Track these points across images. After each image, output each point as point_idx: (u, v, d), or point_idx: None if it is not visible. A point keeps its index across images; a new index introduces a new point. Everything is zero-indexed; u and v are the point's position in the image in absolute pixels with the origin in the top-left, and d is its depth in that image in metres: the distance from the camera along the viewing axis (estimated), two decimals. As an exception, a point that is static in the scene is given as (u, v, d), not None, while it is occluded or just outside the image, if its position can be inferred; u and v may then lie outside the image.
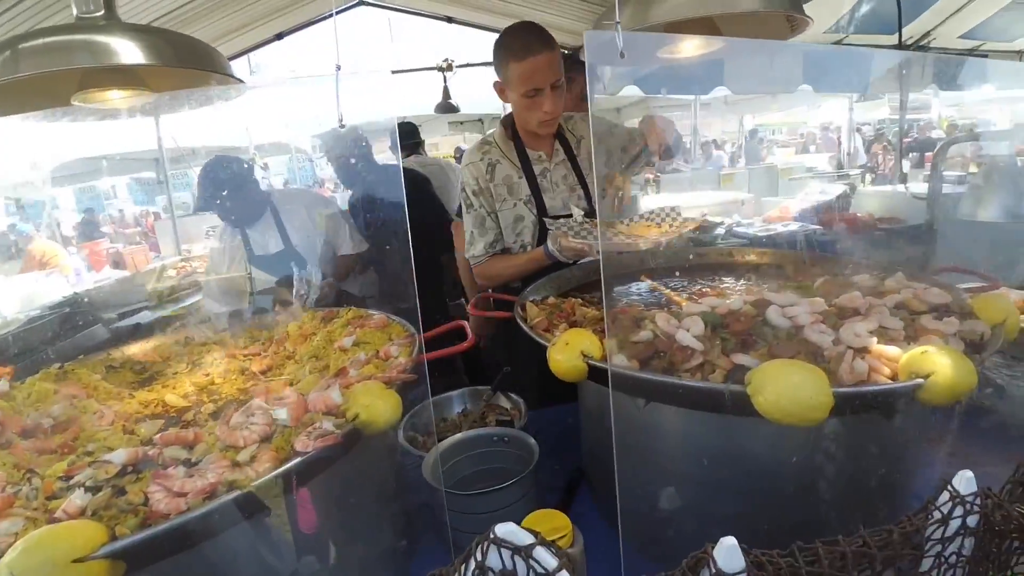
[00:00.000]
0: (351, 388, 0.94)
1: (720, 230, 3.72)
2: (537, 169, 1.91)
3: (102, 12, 1.11)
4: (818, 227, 3.67)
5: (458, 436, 1.33)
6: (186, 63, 1.08)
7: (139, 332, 2.36)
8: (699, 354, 0.90)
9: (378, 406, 0.90)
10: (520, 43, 1.67)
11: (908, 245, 3.48)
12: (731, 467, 0.95)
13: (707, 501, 0.99)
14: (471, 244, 1.95)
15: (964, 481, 0.61)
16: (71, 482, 0.76)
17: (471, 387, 1.73)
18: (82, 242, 5.89)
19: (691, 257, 1.79)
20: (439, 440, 1.58)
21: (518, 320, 1.29)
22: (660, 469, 1.04)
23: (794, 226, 3.70)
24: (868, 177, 4.46)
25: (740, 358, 0.87)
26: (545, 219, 1.84)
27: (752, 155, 8.08)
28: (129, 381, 1.46)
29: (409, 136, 3.79)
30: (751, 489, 0.94)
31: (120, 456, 0.78)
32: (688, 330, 0.94)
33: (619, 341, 1.01)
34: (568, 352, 1.00)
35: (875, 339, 0.87)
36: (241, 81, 1.23)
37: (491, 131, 2.04)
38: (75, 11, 1.13)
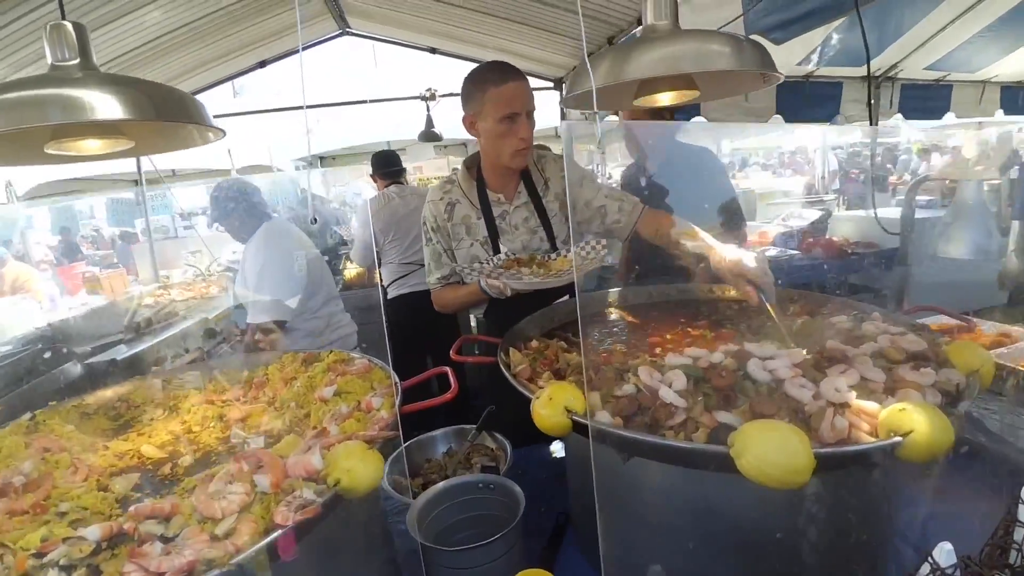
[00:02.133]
0: (332, 449, 0.93)
1: (700, 256, 3.77)
2: (496, 211, 1.94)
3: (77, 61, 1.09)
4: (796, 252, 3.75)
5: (441, 485, 1.31)
6: (164, 116, 1.07)
7: (114, 369, 2.31)
8: (682, 411, 0.91)
9: (359, 471, 0.89)
10: (497, 71, 1.74)
11: (883, 273, 3.58)
12: (714, 520, 0.95)
13: (691, 553, 0.99)
14: (429, 273, 2.05)
15: (944, 553, 0.61)
16: (44, 560, 0.73)
17: (455, 426, 1.72)
18: (58, 264, 5.75)
19: (673, 294, 1.82)
20: (423, 484, 1.57)
21: (502, 367, 1.28)
22: (643, 521, 1.04)
23: (773, 251, 3.78)
24: (843, 200, 4.58)
25: (723, 416, 0.87)
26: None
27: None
28: (103, 428, 1.42)
29: (389, 164, 3.76)
30: (735, 543, 0.94)
31: (95, 533, 0.75)
32: (671, 385, 0.95)
33: (602, 395, 1.02)
34: (552, 407, 0.99)
35: (854, 393, 0.88)
36: (221, 131, 1.22)
37: (455, 169, 2.08)
38: (49, 59, 1.11)
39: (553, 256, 1.82)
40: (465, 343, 1.73)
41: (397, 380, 1.26)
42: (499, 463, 1.60)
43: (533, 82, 3.45)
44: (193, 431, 1.36)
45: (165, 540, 0.76)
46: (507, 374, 1.24)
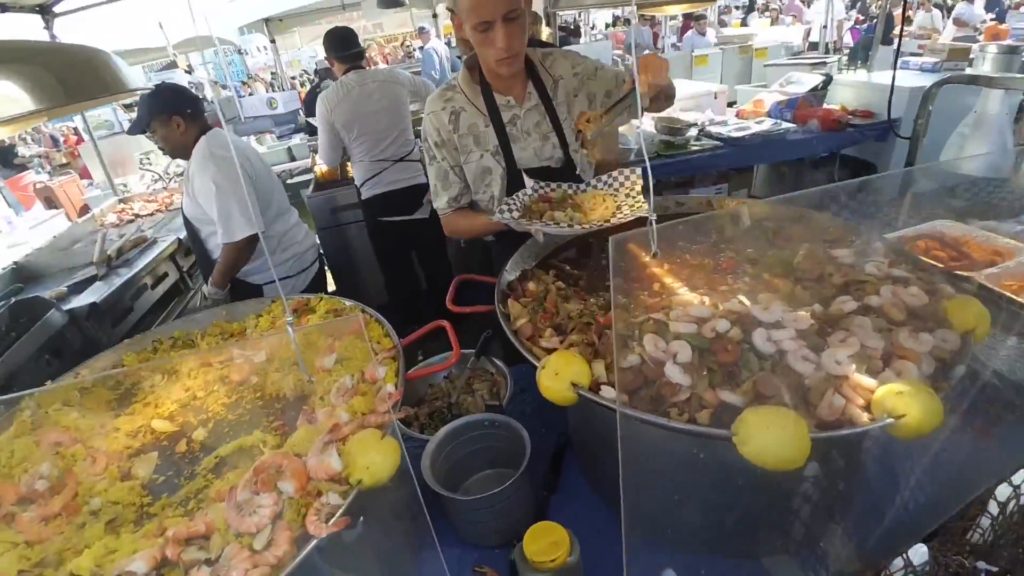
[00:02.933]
0: (348, 443, 0.95)
1: (692, 131, 3.59)
2: (506, 116, 1.75)
3: None
4: (791, 125, 3.58)
5: (450, 427, 1.37)
6: (76, 96, 0.90)
7: (96, 313, 2.26)
8: (686, 388, 0.93)
9: (378, 465, 0.92)
10: None
11: (881, 150, 3.46)
12: (714, 477, 1.02)
13: (694, 506, 1.08)
14: (436, 196, 1.87)
15: (918, 554, 0.67)
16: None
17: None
18: (3, 176, 5.34)
19: (671, 208, 1.76)
20: (429, 412, 1.64)
21: (501, 321, 1.27)
22: (651, 474, 1.11)
23: (767, 123, 3.60)
24: (843, 60, 4.21)
25: (726, 395, 0.90)
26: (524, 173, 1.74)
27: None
28: (106, 400, 1.42)
29: (345, 46, 3.20)
30: (732, 502, 1.03)
31: (141, 567, 0.79)
32: (675, 357, 0.96)
33: (607, 365, 1.03)
34: (558, 381, 1.01)
35: (854, 366, 0.90)
36: (145, 89, 1.04)
37: (455, 75, 1.83)
38: None
39: (583, 188, 1.65)
40: (461, 282, 1.68)
41: (399, 342, 1.25)
42: (500, 391, 1.67)
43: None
44: (198, 397, 1.37)
45: (209, 563, 0.80)
46: (508, 331, 1.23)
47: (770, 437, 0.80)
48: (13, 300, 2.06)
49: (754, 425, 0.82)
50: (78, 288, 2.38)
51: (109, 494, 1.08)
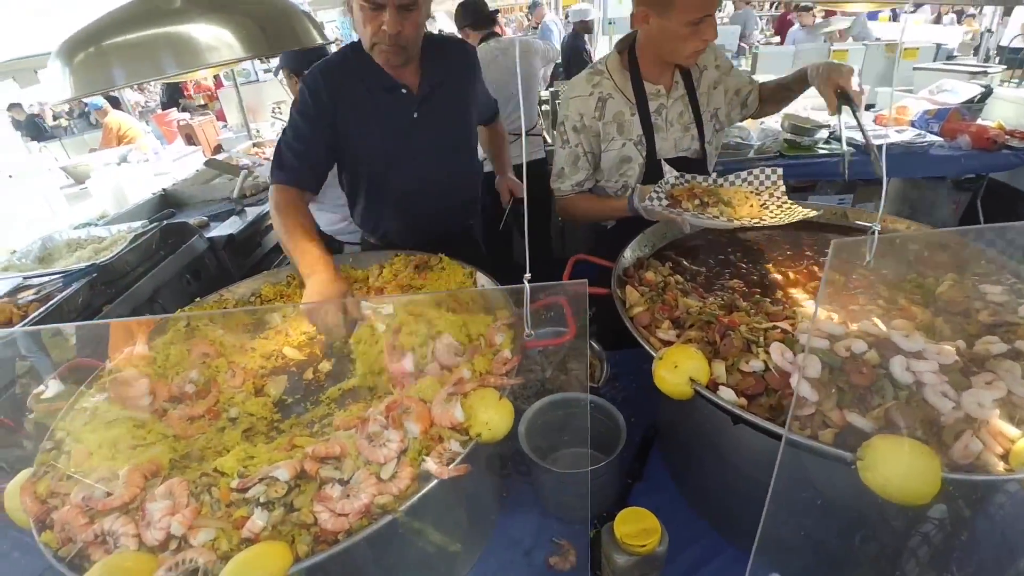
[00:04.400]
0: (469, 397, 1.02)
1: (822, 133, 3.34)
2: (653, 105, 1.74)
3: None
4: (937, 138, 3.25)
5: (547, 399, 1.41)
6: (276, 46, 1.00)
7: (232, 243, 2.51)
8: (812, 403, 0.91)
9: (496, 423, 0.98)
10: None
11: None
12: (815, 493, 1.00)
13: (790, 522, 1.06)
14: (559, 177, 1.89)
15: None
16: (247, 495, 0.89)
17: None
18: (152, 112, 5.94)
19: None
20: (522, 387, 1.69)
21: (617, 305, 1.29)
22: (744, 479, 1.11)
23: (910, 133, 3.28)
24: (1008, 72, 3.70)
25: (855, 419, 0.88)
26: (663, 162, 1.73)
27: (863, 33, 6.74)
28: (244, 323, 1.59)
29: (478, 14, 3.19)
30: (836, 520, 1.00)
31: (284, 474, 0.90)
32: (803, 371, 0.94)
33: (728, 367, 1.03)
34: (676, 374, 1.02)
35: (997, 411, 0.85)
36: (330, 42, 1.12)
37: (603, 57, 1.82)
38: None
39: (721, 182, 1.62)
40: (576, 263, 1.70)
41: (517, 312, 1.30)
42: (595, 373, 1.70)
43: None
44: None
45: (342, 483, 0.90)
46: (624, 316, 1.25)
47: (899, 467, 0.78)
48: (164, 223, 2.32)
49: (884, 451, 0.80)
50: (217, 219, 2.65)
51: (246, 406, 1.22)
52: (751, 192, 1.53)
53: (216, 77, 5.92)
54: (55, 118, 10.26)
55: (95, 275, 1.95)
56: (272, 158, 1.70)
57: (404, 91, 1.70)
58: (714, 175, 1.61)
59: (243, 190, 2.81)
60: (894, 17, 8.09)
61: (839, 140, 3.23)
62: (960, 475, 0.79)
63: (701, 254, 1.55)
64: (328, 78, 1.62)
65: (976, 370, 0.92)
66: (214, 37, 0.89)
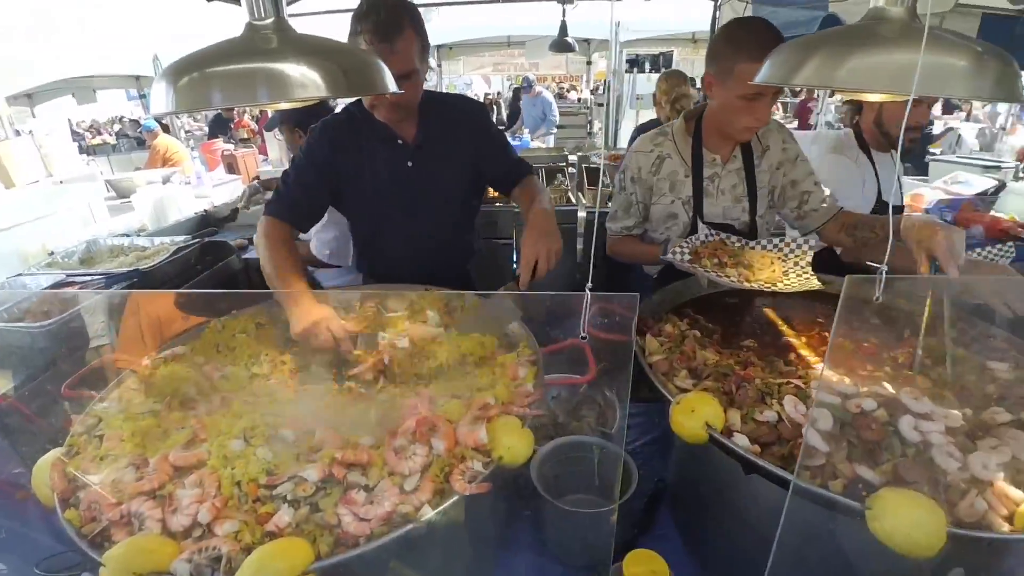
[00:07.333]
0: (492, 422, 1.07)
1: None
2: (707, 172, 1.88)
3: (272, 20, 1.07)
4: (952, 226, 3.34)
5: (559, 442, 1.44)
6: (354, 91, 1.12)
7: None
8: (822, 454, 0.95)
9: (517, 448, 1.03)
10: (756, 43, 1.54)
11: None
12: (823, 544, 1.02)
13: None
14: (612, 218, 2.05)
15: None
16: (274, 492, 0.94)
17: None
18: (199, 140, 6.26)
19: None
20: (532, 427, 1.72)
21: (637, 353, 1.34)
22: (751, 531, 1.12)
23: (924, 219, 3.38)
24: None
25: (864, 472, 0.91)
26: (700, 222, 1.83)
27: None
28: (275, 338, 1.64)
29: None
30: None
31: (313, 475, 0.94)
32: (815, 423, 0.98)
33: (742, 416, 1.07)
34: (693, 419, 1.06)
35: (1002, 474, 0.89)
36: (398, 91, 1.24)
37: (672, 122, 1.98)
38: (247, 16, 1.09)
39: (752, 245, 1.71)
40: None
41: (539, 350, 1.36)
42: (607, 420, 1.72)
43: None
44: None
45: (367, 489, 0.94)
46: (644, 363, 1.30)
47: (907, 519, 0.81)
48: (206, 240, 2.45)
49: (892, 503, 0.83)
50: (250, 240, 2.76)
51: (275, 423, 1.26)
52: (777, 257, 1.61)
53: (258, 118, 6.26)
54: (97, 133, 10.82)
55: (136, 280, 2.05)
56: (272, 192, 1.86)
57: (400, 141, 1.85)
58: (747, 242, 1.71)
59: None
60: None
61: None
62: (965, 531, 0.82)
63: (719, 314, 1.62)
64: (332, 130, 1.83)
65: (981, 434, 0.96)
66: (302, 75, 1.00)
